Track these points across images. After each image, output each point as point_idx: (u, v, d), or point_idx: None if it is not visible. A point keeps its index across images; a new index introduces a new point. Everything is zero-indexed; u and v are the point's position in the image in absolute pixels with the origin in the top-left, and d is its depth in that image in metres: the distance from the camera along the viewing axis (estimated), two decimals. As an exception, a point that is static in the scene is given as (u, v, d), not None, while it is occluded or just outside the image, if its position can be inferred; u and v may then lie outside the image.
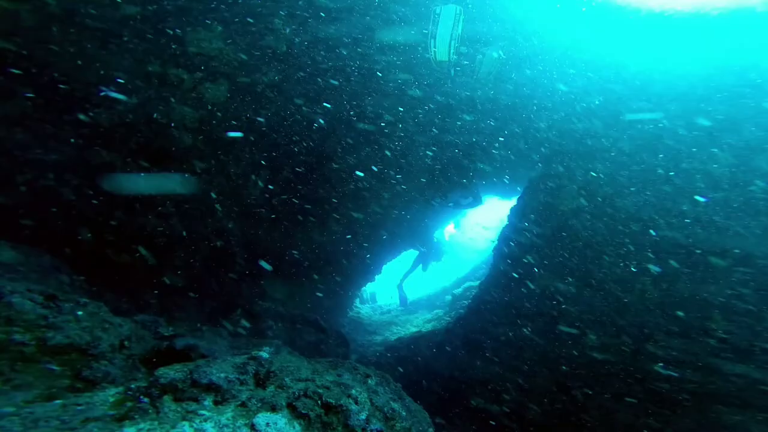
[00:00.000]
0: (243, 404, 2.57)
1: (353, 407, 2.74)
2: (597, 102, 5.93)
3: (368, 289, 15.20)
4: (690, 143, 5.20)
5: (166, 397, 2.74)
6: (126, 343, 3.65)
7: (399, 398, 3.27)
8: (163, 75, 5.17)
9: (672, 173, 5.21)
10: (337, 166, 7.41)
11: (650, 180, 5.32)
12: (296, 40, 5.49)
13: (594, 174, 5.68)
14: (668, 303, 5.01)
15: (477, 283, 11.91)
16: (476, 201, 6.58)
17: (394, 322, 12.99)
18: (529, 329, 5.79)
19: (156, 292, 6.24)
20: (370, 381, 3.23)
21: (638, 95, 5.67)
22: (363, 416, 2.74)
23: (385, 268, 12.73)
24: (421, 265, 12.23)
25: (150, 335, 4.22)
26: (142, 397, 2.79)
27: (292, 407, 2.57)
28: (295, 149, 7.19)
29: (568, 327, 5.43)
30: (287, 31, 5.35)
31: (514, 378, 5.89)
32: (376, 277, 12.72)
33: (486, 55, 5.19)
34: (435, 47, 4.30)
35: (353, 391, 2.86)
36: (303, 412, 2.54)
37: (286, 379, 2.79)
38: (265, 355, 3.08)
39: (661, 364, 4.88)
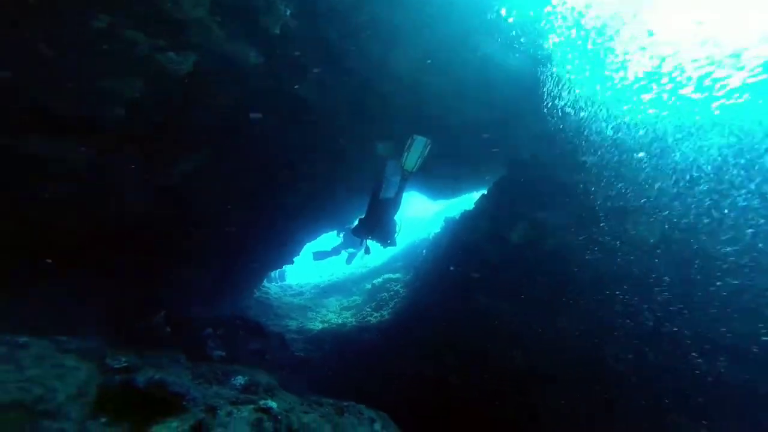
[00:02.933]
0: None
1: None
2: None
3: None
4: None
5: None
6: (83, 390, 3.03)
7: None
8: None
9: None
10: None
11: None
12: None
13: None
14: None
15: (396, 275, 12.63)
16: (392, 243, 6.86)
17: (308, 306, 12.89)
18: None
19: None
20: (375, 426, 3.39)
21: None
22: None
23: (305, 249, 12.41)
24: (347, 257, 12.08)
25: (95, 368, 3.54)
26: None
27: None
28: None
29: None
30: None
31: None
32: (295, 259, 12.36)
33: (416, 139, 5.50)
34: (406, 158, 5.54)
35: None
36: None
37: (316, 442, 2.77)
38: (273, 404, 2.94)
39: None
